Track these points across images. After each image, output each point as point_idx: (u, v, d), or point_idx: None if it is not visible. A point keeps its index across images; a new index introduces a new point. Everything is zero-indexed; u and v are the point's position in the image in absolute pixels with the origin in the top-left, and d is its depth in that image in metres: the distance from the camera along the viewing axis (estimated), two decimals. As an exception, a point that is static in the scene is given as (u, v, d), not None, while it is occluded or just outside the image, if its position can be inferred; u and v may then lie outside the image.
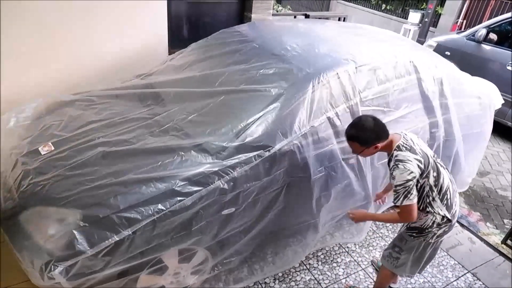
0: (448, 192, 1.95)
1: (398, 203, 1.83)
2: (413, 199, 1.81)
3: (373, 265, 2.69)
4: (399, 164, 1.81)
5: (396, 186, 1.82)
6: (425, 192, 1.91)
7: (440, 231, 2.00)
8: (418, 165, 1.83)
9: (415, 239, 2.04)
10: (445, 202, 1.95)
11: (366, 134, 1.85)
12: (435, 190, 1.92)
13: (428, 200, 1.93)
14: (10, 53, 2.67)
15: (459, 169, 3.06)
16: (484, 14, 8.37)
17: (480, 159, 3.56)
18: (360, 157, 2.31)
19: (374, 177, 2.51)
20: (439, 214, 1.94)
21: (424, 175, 1.87)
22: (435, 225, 1.96)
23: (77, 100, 2.39)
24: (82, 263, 1.58)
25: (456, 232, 3.17)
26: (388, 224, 3.13)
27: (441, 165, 1.97)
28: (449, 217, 1.96)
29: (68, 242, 1.59)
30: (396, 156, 1.85)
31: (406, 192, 1.80)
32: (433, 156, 1.96)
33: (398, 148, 1.87)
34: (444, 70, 2.78)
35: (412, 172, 1.79)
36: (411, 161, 1.81)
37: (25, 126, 2.21)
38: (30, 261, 1.61)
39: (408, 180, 1.79)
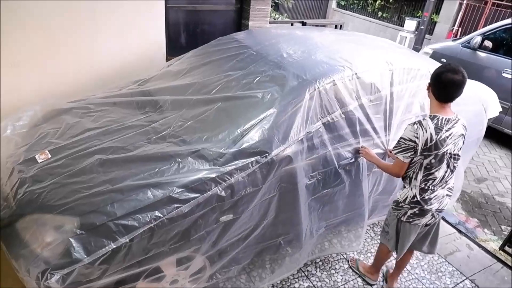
0: (433, 182, 2.05)
1: (394, 152, 2.04)
2: (406, 160, 2.01)
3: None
4: (416, 124, 1.96)
5: (401, 137, 2.01)
6: (414, 166, 2.05)
7: (411, 212, 2.12)
8: (426, 141, 1.94)
9: (393, 212, 2.22)
10: (423, 185, 2.06)
11: (440, 79, 1.91)
12: (422, 171, 2.04)
13: (411, 174, 2.08)
14: (9, 60, 2.68)
15: (458, 176, 3.06)
16: (479, 21, 8.48)
17: (466, 166, 3.57)
18: (360, 161, 2.34)
19: (372, 183, 2.52)
20: (411, 190, 2.10)
21: (424, 153, 1.98)
22: (407, 201, 2.12)
23: (74, 108, 2.39)
24: (79, 271, 1.57)
25: (454, 238, 3.17)
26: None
27: (451, 165, 2.05)
28: (419, 199, 2.07)
29: (65, 250, 1.58)
30: (424, 118, 1.98)
31: (405, 149, 1.99)
32: (451, 154, 2.01)
33: (432, 118, 1.96)
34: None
35: (417, 138, 1.94)
36: (425, 132, 1.93)
37: (22, 134, 2.21)
38: (26, 270, 1.60)
39: (410, 140, 1.96)
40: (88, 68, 3.06)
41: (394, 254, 2.42)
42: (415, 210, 2.11)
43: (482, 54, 5.24)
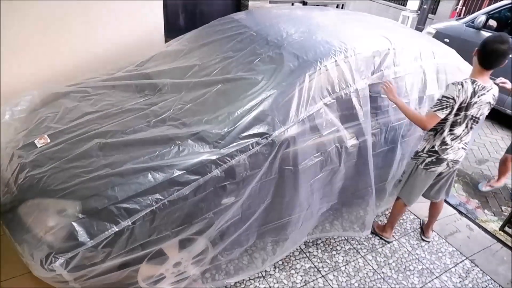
0: (451, 137, 2.30)
1: (434, 110, 2.17)
2: (442, 115, 2.17)
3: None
4: (459, 85, 2.13)
5: (442, 96, 2.16)
6: (446, 122, 2.25)
7: (428, 160, 2.40)
8: (462, 102, 2.15)
9: (412, 161, 2.50)
10: (445, 140, 2.31)
11: (487, 47, 2.12)
12: (449, 128, 2.27)
13: (439, 128, 2.30)
14: (7, 45, 2.63)
15: None
16: (483, 0, 8.29)
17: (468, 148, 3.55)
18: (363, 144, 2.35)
19: (378, 166, 2.52)
20: (432, 142, 2.36)
21: (454, 112, 2.18)
22: (425, 151, 2.40)
23: (72, 92, 2.35)
24: (83, 255, 1.58)
25: (455, 219, 3.19)
26: (387, 213, 3.14)
27: (469, 125, 2.28)
28: (437, 149, 2.35)
29: (68, 234, 1.58)
30: (465, 81, 2.15)
31: (445, 106, 2.14)
32: (473, 117, 2.24)
33: (473, 82, 2.15)
34: (445, 59, 2.75)
35: (458, 97, 2.12)
36: (464, 94, 2.12)
37: (21, 119, 2.19)
38: (30, 254, 1.61)
39: (452, 98, 2.12)
40: (85, 54, 3.01)
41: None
42: (432, 158, 2.38)
43: (486, 34, 5.12)
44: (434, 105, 2.19)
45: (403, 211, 2.75)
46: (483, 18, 5.09)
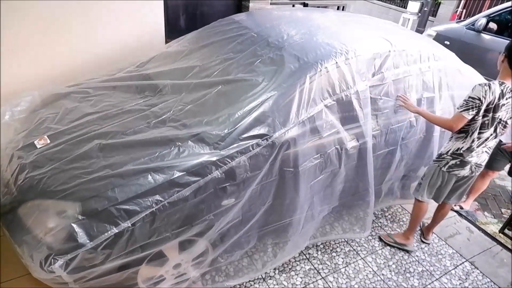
0: (479, 141, 2.28)
1: (460, 110, 2.18)
2: (468, 116, 2.17)
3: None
4: (486, 86, 2.13)
5: (469, 97, 2.17)
6: (475, 124, 2.23)
7: (452, 162, 2.37)
8: (489, 103, 2.14)
9: (434, 164, 2.48)
10: (473, 143, 2.29)
11: (510, 47, 2.20)
12: (478, 130, 2.25)
13: (469, 130, 2.27)
14: (7, 45, 2.62)
15: None
16: (484, 3, 8.32)
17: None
18: (364, 146, 2.35)
19: (376, 167, 2.51)
20: (459, 144, 2.32)
21: (482, 114, 2.18)
22: (449, 153, 2.37)
23: (72, 92, 2.35)
24: (82, 256, 1.58)
25: (455, 221, 3.19)
26: (387, 214, 3.14)
27: (498, 129, 2.27)
28: (462, 152, 2.33)
29: (68, 235, 1.58)
30: (493, 82, 2.16)
31: (471, 107, 2.15)
32: (501, 120, 2.23)
33: (501, 84, 2.16)
34: (444, 61, 2.76)
35: (484, 98, 2.12)
36: (491, 95, 2.12)
37: (21, 119, 2.18)
38: (30, 255, 1.60)
39: (478, 98, 2.12)
40: (86, 52, 3.01)
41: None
42: (456, 161, 2.36)
43: (486, 37, 5.15)
44: (460, 106, 2.20)
45: (425, 211, 2.68)
46: (483, 21, 5.10)
